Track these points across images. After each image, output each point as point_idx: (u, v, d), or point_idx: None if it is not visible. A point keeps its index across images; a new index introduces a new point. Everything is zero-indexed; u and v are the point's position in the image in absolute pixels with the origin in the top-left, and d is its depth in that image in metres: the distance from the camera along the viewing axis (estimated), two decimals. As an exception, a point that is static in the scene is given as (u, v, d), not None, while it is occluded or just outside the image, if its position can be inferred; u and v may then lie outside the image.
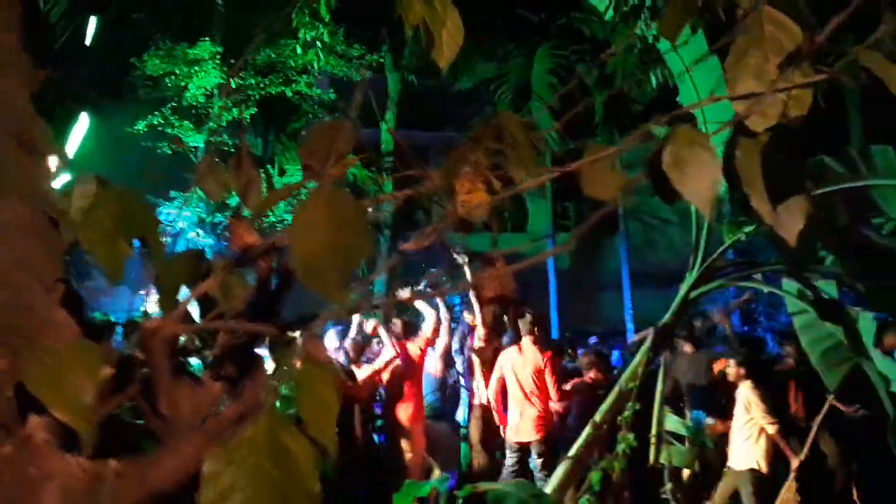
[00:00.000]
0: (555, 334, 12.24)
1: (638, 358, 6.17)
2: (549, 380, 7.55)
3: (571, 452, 6.33)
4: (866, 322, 5.60)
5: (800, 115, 0.86)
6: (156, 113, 11.69)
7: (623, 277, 14.73)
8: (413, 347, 7.68)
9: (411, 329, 8.07)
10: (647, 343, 6.07)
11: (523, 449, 7.42)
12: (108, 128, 11.52)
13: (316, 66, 11.56)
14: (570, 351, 10.17)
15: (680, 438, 7.09)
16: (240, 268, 1.06)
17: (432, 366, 8.39)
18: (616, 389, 6.17)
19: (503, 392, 7.62)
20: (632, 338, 11.04)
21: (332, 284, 0.80)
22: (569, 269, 16.63)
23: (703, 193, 0.87)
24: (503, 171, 0.98)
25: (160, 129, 11.79)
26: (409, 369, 7.64)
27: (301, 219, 0.84)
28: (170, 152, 11.82)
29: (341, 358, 7.56)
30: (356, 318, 8.11)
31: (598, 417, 6.17)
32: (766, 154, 0.87)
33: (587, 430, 6.17)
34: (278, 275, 1.06)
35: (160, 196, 11.26)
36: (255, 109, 11.57)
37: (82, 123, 10.51)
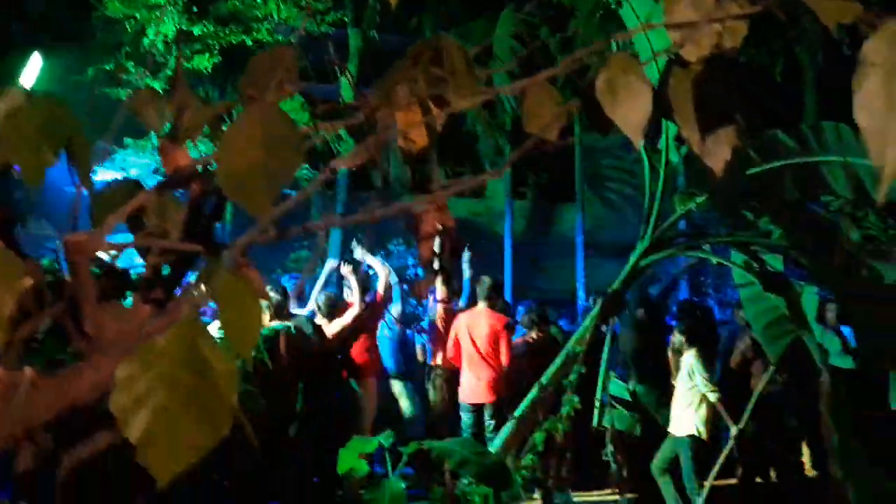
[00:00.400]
0: (509, 301, 12.31)
1: (586, 323, 6.26)
2: (503, 345, 7.66)
3: (517, 413, 6.43)
4: (810, 296, 5.74)
5: (734, 46, 0.86)
6: (111, 58, 11.39)
7: (577, 247, 14.85)
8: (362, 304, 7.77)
9: (364, 287, 8.14)
10: (596, 309, 6.16)
11: (478, 410, 7.55)
12: (64, 72, 11.21)
13: (275, 16, 11.33)
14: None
15: (624, 403, 7.23)
16: (173, 189, 1.04)
17: (391, 328, 8.50)
18: (563, 353, 6.27)
19: (458, 354, 7.72)
20: (583, 306, 11.19)
21: (258, 199, 0.79)
22: (524, 238, 16.73)
23: (633, 120, 0.88)
24: (441, 96, 0.97)
25: (117, 75, 11.49)
26: (368, 322, 7.76)
27: (231, 134, 0.83)
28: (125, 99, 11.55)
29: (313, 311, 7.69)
30: (328, 267, 8.19)
31: (544, 380, 6.27)
32: (698, 84, 0.87)
33: (533, 391, 6.27)
34: (213, 196, 1.04)
35: (115, 143, 11.03)
36: (219, 58, 11.32)
37: (35, 66, 10.21)
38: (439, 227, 1.16)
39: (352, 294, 7.92)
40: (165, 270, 1.18)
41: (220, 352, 0.72)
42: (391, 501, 5.46)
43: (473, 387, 7.61)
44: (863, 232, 8.82)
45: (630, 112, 0.87)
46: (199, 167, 1.01)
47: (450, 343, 7.78)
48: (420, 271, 13.79)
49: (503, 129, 13.92)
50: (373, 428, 7.62)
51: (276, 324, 7.56)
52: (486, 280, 8.00)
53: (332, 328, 7.60)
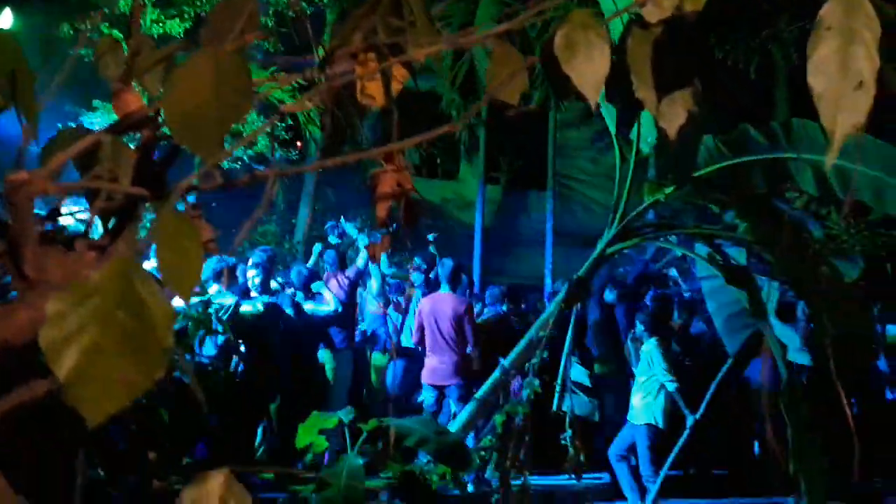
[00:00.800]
0: (477, 287, 12.35)
1: (550, 308, 6.29)
2: (469, 328, 7.70)
3: (478, 395, 6.46)
4: (771, 291, 5.81)
5: (695, 9, 0.85)
6: (84, 18, 11.14)
7: (547, 234, 14.89)
8: (342, 279, 7.84)
9: (344, 261, 8.23)
10: (560, 294, 6.19)
11: (441, 391, 7.62)
12: (37, 31, 10.97)
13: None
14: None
15: (584, 389, 7.30)
16: (123, 133, 1.01)
17: (373, 304, 8.57)
18: (526, 337, 6.29)
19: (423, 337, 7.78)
20: (549, 292, 11.23)
21: (206, 142, 0.77)
22: (495, 223, 16.73)
23: (589, 77, 0.87)
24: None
25: (90, 35, 11.24)
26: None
27: (181, 75, 0.80)
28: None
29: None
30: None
31: (506, 363, 6.29)
32: (657, 46, 0.86)
33: (495, 374, 6.29)
34: (164, 142, 1.02)
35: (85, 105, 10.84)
36: (190, 23, 11.14)
37: (5, 22, 9.99)
38: (397, 188, 1.14)
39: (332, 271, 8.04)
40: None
41: (157, 292, 0.70)
42: (349, 478, 5.46)
43: (436, 369, 7.65)
44: (826, 230, 8.95)
45: (587, 69, 0.86)
46: (152, 112, 0.98)
47: (415, 326, 7.84)
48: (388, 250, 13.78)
49: (478, 112, 13.89)
50: (353, 402, 7.70)
51: (258, 298, 7.59)
52: (447, 263, 8.04)
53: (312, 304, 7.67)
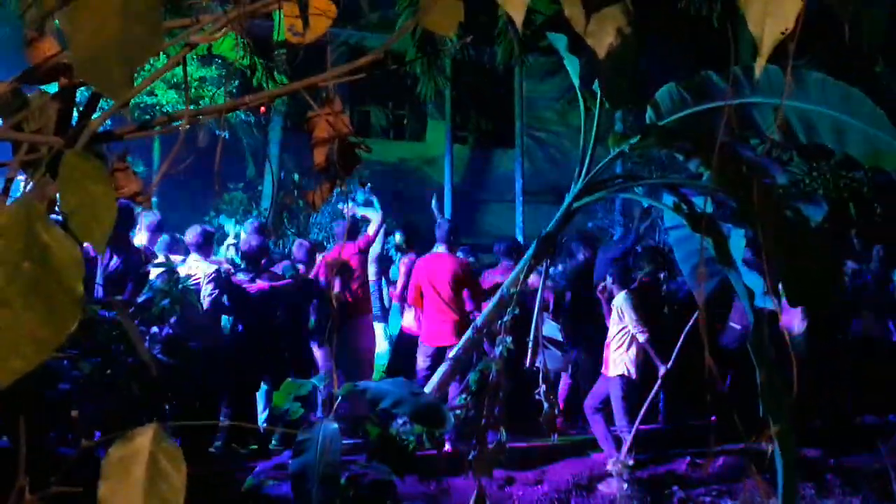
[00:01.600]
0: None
1: (520, 265, 6.28)
2: (469, 288, 7.70)
3: (451, 354, 6.46)
4: (736, 238, 5.84)
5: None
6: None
7: (517, 192, 14.88)
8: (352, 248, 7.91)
9: (355, 231, 8.27)
10: (530, 251, 6.18)
11: (439, 353, 7.51)
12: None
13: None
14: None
15: (557, 344, 7.34)
16: (37, 82, 0.96)
17: (371, 269, 8.57)
18: (497, 295, 6.29)
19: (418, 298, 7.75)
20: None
21: (113, 79, 0.73)
22: (464, 183, 16.69)
23: (515, -5, 0.83)
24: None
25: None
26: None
27: (84, 14, 0.75)
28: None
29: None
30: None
31: (479, 321, 6.30)
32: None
33: (468, 332, 6.30)
34: (83, 88, 0.97)
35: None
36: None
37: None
38: (333, 132, 1.10)
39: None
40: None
41: (63, 238, 0.66)
42: (325, 442, 5.46)
43: (436, 331, 7.61)
44: (789, 175, 9.00)
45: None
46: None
47: (411, 290, 7.78)
48: (358, 214, 13.68)
49: (443, 70, 13.76)
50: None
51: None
52: (444, 223, 8.01)
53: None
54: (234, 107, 0.94)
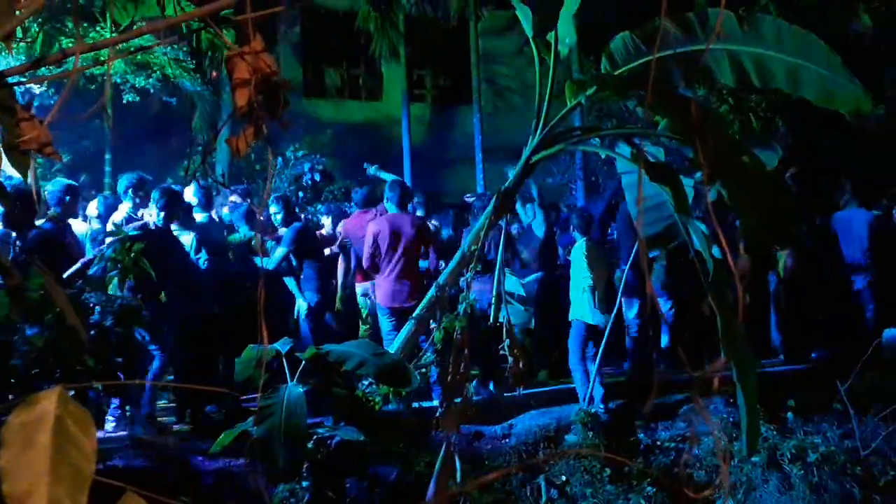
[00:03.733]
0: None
1: (480, 221, 6.25)
2: (431, 246, 7.69)
3: (415, 313, 6.44)
4: (687, 188, 5.86)
5: None
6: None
7: (476, 150, 14.79)
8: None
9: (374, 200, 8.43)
10: (490, 206, 6.14)
11: (401, 313, 7.42)
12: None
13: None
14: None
15: (518, 298, 7.36)
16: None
17: None
18: (459, 252, 6.27)
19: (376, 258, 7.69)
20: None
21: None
22: (422, 142, 16.54)
23: None
24: None
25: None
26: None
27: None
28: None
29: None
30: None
31: (441, 279, 6.27)
32: None
33: (431, 290, 6.27)
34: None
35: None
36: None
37: None
38: (255, 73, 1.03)
39: None
40: None
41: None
42: (290, 407, 5.43)
43: (396, 291, 7.56)
44: (741, 118, 9.06)
45: None
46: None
47: (366, 249, 7.66)
48: (317, 176, 13.52)
49: (397, 27, 13.54)
50: None
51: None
52: (395, 185, 7.96)
53: None
54: (125, 39, 0.86)
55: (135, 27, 10.70)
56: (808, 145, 10.39)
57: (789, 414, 7.20)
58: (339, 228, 8.84)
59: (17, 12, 0.69)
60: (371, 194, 8.75)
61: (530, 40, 5.88)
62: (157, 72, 10.73)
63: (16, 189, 5.90)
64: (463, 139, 16.17)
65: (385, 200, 7.98)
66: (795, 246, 8.62)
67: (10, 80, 1.06)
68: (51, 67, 1.21)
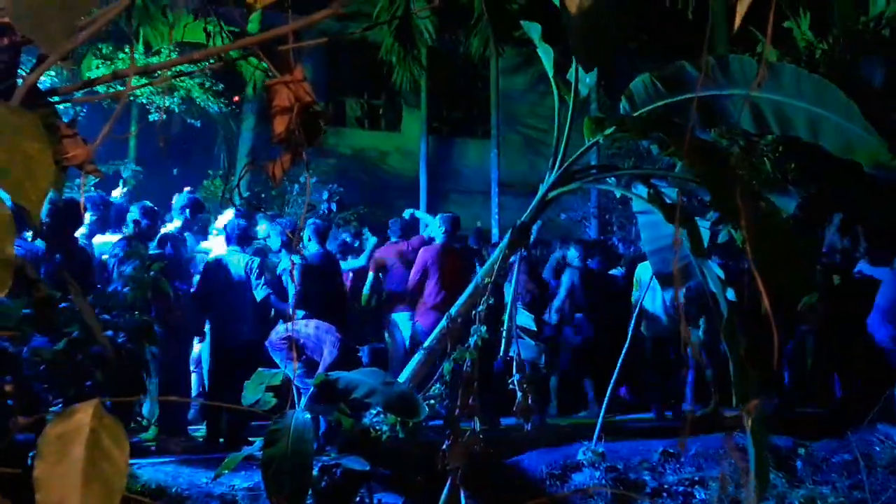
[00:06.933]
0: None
1: (495, 255, 6.26)
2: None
3: (426, 344, 6.43)
4: (702, 229, 5.87)
5: None
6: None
7: (492, 184, 14.86)
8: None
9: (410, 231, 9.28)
10: (505, 241, 6.16)
11: None
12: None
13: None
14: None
15: (530, 333, 7.33)
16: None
17: None
18: (472, 284, 6.27)
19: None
20: (495, 241, 11.29)
21: (52, 33, 0.68)
22: (439, 174, 16.63)
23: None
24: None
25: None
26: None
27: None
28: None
29: None
30: None
31: (453, 311, 6.26)
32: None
33: (442, 322, 6.26)
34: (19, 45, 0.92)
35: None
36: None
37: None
38: (294, 101, 1.05)
39: None
40: None
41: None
42: (297, 433, 5.41)
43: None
44: (760, 165, 9.06)
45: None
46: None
47: (415, 278, 8.20)
48: (334, 206, 13.59)
49: (418, 59, 13.67)
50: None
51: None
52: (447, 217, 8.45)
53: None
54: (173, 63, 0.89)
55: (163, 49, 10.91)
56: (824, 193, 10.36)
57: (798, 462, 7.11)
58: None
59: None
60: (406, 227, 9.08)
61: (550, 78, 5.94)
62: (181, 91, 10.90)
63: (61, 202, 5.96)
64: (472, 172, 16.27)
65: (442, 232, 8.50)
66: (816, 293, 8.58)
67: (50, 97, 1.09)
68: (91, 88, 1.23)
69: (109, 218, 7.21)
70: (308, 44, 1.05)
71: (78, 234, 6.56)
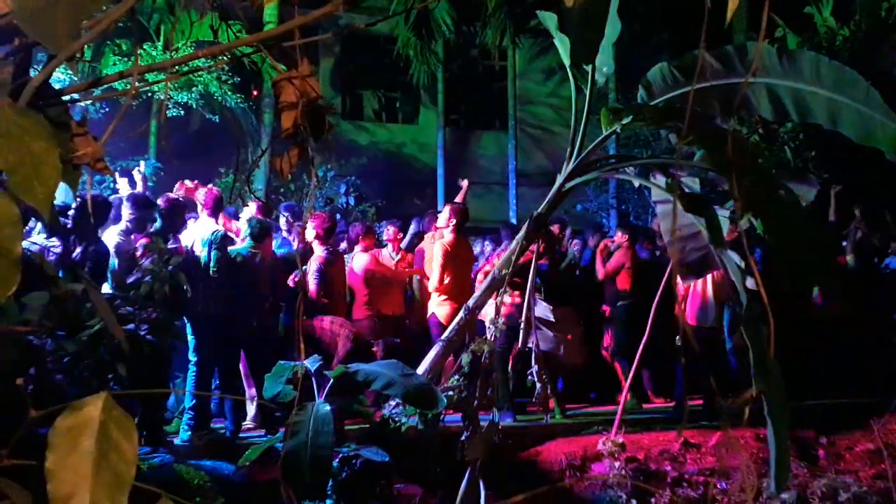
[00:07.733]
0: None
1: (512, 246, 6.26)
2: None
3: (444, 336, 6.45)
4: (722, 219, 5.81)
5: None
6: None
7: (510, 175, 14.84)
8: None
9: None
10: (522, 232, 6.15)
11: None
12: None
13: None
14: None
15: (548, 324, 7.32)
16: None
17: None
18: (490, 277, 6.27)
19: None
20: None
21: (56, 32, 0.69)
22: (456, 166, 16.63)
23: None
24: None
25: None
26: None
27: (30, -39, 0.72)
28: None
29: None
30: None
31: (471, 303, 6.27)
32: None
33: (460, 314, 6.28)
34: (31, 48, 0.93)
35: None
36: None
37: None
38: (301, 97, 1.06)
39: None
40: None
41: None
42: (316, 425, 5.44)
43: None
44: (779, 154, 8.99)
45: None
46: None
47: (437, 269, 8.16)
48: (352, 200, 13.63)
49: (435, 54, 13.66)
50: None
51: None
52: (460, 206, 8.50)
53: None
54: (181, 61, 0.90)
55: (181, 46, 10.97)
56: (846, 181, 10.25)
57: (821, 451, 7.07)
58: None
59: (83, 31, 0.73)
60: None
61: (567, 68, 5.91)
62: (199, 87, 10.94)
63: (92, 198, 5.97)
64: (489, 164, 16.23)
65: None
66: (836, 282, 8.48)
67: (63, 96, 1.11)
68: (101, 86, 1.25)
69: (146, 217, 7.17)
70: (320, 38, 1.06)
71: (116, 230, 6.61)
